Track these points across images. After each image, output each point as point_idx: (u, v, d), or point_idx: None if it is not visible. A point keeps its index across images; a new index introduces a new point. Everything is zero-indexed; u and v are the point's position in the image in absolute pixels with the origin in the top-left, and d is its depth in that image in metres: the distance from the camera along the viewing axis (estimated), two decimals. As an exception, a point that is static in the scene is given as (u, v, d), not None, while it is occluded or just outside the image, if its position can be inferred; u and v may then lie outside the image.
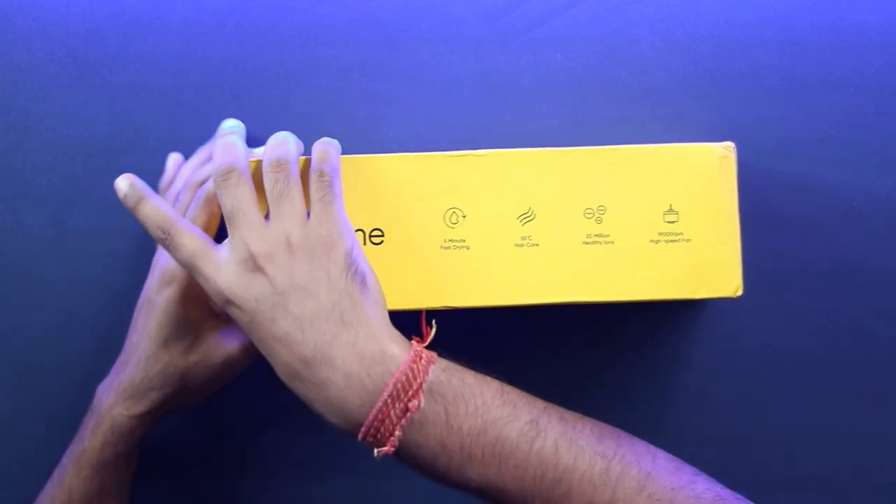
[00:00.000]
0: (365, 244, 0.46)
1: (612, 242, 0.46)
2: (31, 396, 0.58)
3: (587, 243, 0.46)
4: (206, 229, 0.49)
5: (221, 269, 0.43)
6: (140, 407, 0.49)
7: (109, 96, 0.57)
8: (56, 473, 0.51)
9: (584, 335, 0.57)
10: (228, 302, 0.42)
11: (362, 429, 0.42)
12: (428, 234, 0.46)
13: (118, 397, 0.49)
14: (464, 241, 0.46)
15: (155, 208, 0.45)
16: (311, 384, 0.42)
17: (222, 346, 0.50)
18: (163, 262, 0.50)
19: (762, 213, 0.55)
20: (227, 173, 0.44)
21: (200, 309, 0.50)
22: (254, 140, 0.54)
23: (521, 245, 0.46)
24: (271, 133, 0.53)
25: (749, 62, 0.55)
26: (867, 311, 0.56)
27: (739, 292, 0.46)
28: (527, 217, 0.46)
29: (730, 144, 0.46)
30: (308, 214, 0.43)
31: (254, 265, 0.42)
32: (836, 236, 0.55)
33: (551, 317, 0.57)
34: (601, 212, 0.46)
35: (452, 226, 0.46)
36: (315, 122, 0.57)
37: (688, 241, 0.46)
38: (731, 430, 0.57)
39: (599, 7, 0.56)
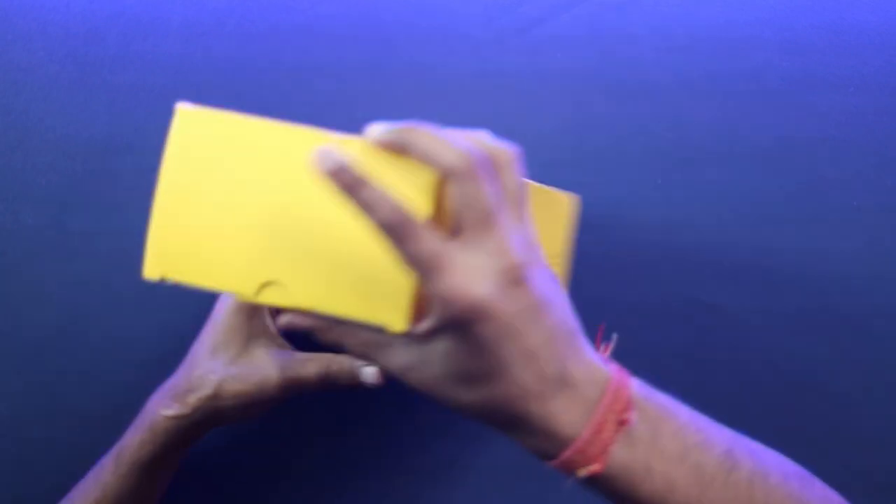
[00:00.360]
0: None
1: None
2: (32, 396, 0.58)
3: None
4: None
5: (470, 276, 0.36)
6: (177, 408, 0.49)
7: (109, 96, 0.57)
8: (95, 471, 0.51)
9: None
10: (474, 312, 0.35)
11: (573, 444, 0.37)
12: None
13: (161, 396, 0.50)
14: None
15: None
16: (535, 404, 0.37)
17: (262, 368, 0.48)
18: None
19: (762, 213, 0.55)
20: (500, 162, 0.37)
21: (254, 324, 0.49)
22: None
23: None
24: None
25: (749, 62, 0.55)
26: (867, 310, 0.56)
27: (404, 327, 0.37)
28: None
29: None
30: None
31: (515, 276, 0.36)
32: (836, 236, 0.55)
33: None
34: None
35: None
36: (315, 122, 0.56)
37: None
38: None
39: (599, 7, 0.56)
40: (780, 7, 0.55)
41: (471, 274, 0.35)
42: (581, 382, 0.38)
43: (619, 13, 0.56)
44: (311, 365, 0.49)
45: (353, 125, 0.56)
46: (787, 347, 0.56)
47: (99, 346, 0.57)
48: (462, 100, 0.56)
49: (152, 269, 0.41)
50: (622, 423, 0.37)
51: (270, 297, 0.39)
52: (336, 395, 0.59)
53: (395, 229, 0.35)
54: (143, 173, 0.57)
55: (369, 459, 0.59)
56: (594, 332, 0.42)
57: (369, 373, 0.48)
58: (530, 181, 0.45)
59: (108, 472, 0.50)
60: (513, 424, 0.38)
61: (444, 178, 0.36)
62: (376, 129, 0.37)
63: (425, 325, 0.37)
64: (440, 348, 0.37)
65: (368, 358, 0.40)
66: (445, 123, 0.56)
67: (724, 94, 0.55)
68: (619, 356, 0.42)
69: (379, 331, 0.38)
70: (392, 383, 0.59)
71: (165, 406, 0.49)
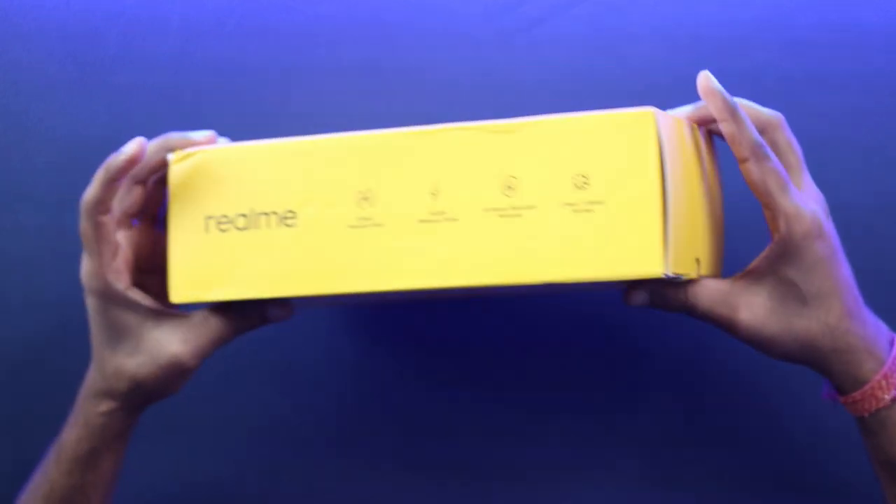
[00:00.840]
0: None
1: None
2: (31, 396, 0.58)
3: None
4: (92, 238, 0.47)
5: (807, 199, 0.44)
6: (106, 405, 0.49)
7: (109, 96, 0.57)
8: (42, 465, 0.51)
9: (583, 333, 0.57)
10: (817, 227, 0.43)
11: (884, 368, 0.43)
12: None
13: (86, 393, 0.50)
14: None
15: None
16: (856, 325, 0.44)
17: (165, 348, 0.48)
18: (82, 271, 0.49)
19: (761, 213, 0.55)
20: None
21: (132, 312, 0.48)
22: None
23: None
24: (271, 133, 0.53)
25: (749, 62, 0.55)
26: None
27: (661, 271, 0.41)
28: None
29: (648, 110, 0.43)
30: None
31: (827, 211, 0.45)
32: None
33: (549, 314, 0.57)
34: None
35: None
36: (315, 122, 0.56)
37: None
38: (731, 430, 0.57)
39: (599, 7, 0.56)
40: (780, 7, 0.55)
41: (807, 198, 0.44)
42: (875, 322, 0.45)
43: (619, 13, 0.56)
44: (211, 322, 0.48)
45: (353, 125, 0.56)
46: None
47: (99, 346, 0.57)
48: (462, 100, 0.56)
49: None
50: None
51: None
52: (335, 395, 0.59)
53: (760, 150, 0.42)
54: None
55: (369, 460, 0.59)
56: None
57: (275, 311, 0.48)
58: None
59: (52, 469, 0.50)
60: (836, 350, 0.44)
61: (771, 128, 0.45)
62: (713, 82, 0.44)
63: (773, 246, 0.43)
64: (782, 274, 0.43)
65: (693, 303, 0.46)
66: (445, 123, 0.56)
67: (724, 94, 0.55)
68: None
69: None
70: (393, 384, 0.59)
71: (94, 404, 0.49)
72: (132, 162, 0.47)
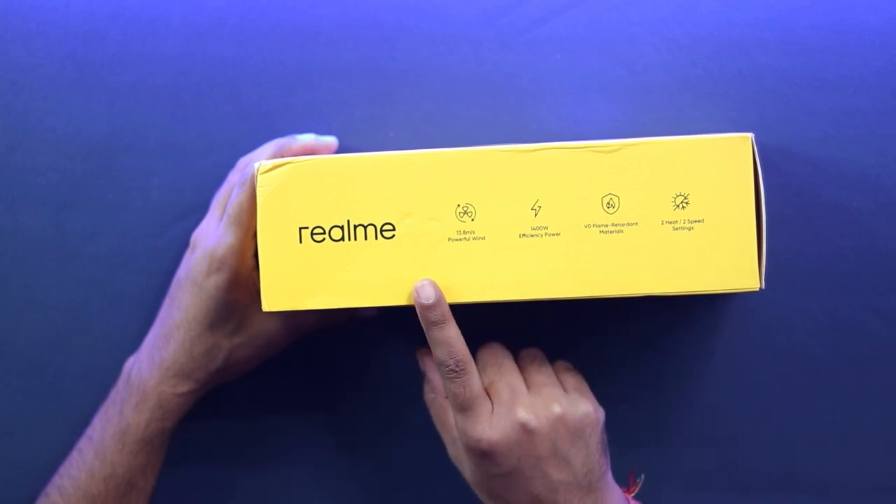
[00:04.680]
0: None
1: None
2: (32, 397, 0.58)
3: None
4: (248, 212, 0.49)
5: (493, 423, 0.46)
6: (186, 385, 0.50)
7: (109, 96, 0.57)
8: (87, 449, 0.52)
9: (585, 331, 0.57)
10: (485, 454, 0.45)
11: None
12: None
13: (163, 375, 0.50)
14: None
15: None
16: None
17: (265, 328, 0.51)
18: (210, 244, 0.49)
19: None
20: (462, 364, 0.46)
21: (247, 293, 0.50)
22: (257, 141, 0.54)
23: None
24: (271, 133, 0.53)
25: (749, 62, 0.55)
26: (867, 311, 0.56)
27: (757, 285, 0.45)
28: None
29: (747, 135, 0.46)
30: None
31: (524, 430, 0.45)
32: (836, 236, 0.55)
33: (555, 312, 0.57)
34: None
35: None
36: (315, 122, 0.57)
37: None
38: (731, 429, 0.57)
39: (599, 7, 0.56)
40: (780, 7, 0.55)
41: (491, 420, 0.46)
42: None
43: (619, 13, 0.56)
44: (307, 312, 0.50)
45: (353, 125, 0.57)
46: (787, 348, 0.56)
47: (99, 346, 0.57)
48: (462, 100, 0.56)
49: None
50: None
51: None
52: (335, 396, 0.59)
53: (453, 370, 0.45)
54: (143, 173, 0.57)
55: (370, 458, 0.59)
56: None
57: None
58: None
59: (113, 451, 0.51)
60: None
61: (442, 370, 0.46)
62: None
63: (455, 445, 0.48)
64: (468, 462, 0.47)
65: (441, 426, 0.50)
66: (445, 123, 0.56)
67: (724, 94, 0.55)
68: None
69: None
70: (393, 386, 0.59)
71: (173, 385, 0.50)
72: (304, 148, 0.51)
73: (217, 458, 0.59)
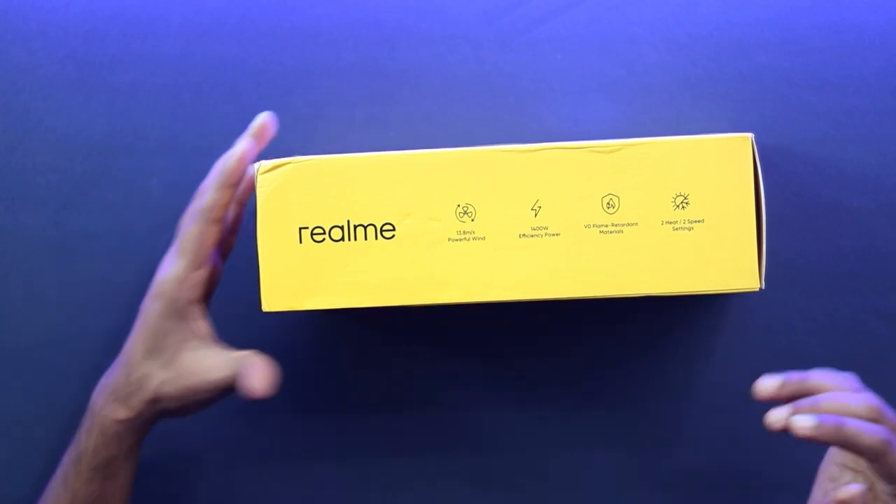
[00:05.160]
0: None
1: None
2: (31, 397, 0.58)
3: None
4: (195, 242, 0.48)
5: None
6: (123, 412, 0.49)
7: (109, 96, 0.57)
8: (60, 472, 0.51)
9: (585, 332, 0.57)
10: None
11: None
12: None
13: (106, 399, 0.49)
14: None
15: None
16: None
17: (194, 374, 0.48)
18: (160, 273, 0.49)
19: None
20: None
21: (184, 329, 0.48)
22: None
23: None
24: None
25: (749, 62, 0.55)
26: (867, 311, 0.56)
27: (757, 285, 0.45)
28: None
29: (747, 135, 0.46)
30: None
31: None
32: (836, 236, 0.55)
33: (553, 312, 0.57)
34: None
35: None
36: (315, 122, 0.57)
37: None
38: (731, 430, 0.57)
39: (599, 7, 0.56)
40: (780, 7, 0.55)
41: None
42: None
43: (619, 13, 0.56)
44: (223, 369, 0.47)
45: (352, 125, 0.57)
46: (787, 348, 0.56)
47: (99, 346, 0.57)
48: (462, 100, 0.56)
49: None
50: None
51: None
52: (335, 396, 0.59)
53: (884, 445, 0.43)
54: (143, 173, 0.57)
55: (369, 459, 0.59)
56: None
57: (253, 381, 0.47)
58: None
59: (71, 477, 0.50)
60: None
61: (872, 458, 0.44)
62: (803, 421, 0.44)
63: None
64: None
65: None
66: (445, 123, 0.56)
67: (724, 94, 0.55)
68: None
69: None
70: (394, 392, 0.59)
71: (112, 410, 0.49)
72: (243, 161, 0.48)
73: (217, 457, 0.59)
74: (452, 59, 0.56)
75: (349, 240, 0.46)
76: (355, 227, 0.46)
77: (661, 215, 0.45)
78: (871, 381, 0.57)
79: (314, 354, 0.58)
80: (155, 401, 0.49)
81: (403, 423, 0.58)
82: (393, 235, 0.46)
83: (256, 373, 0.47)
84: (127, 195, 0.57)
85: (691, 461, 0.58)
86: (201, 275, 0.48)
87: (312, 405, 0.59)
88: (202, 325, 0.49)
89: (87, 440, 0.50)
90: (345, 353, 0.58)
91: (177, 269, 0.48)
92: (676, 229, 0.45)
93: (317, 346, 0.58)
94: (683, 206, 0.45)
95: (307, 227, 0.47)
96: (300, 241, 0.47)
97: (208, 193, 0.48)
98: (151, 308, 0.48)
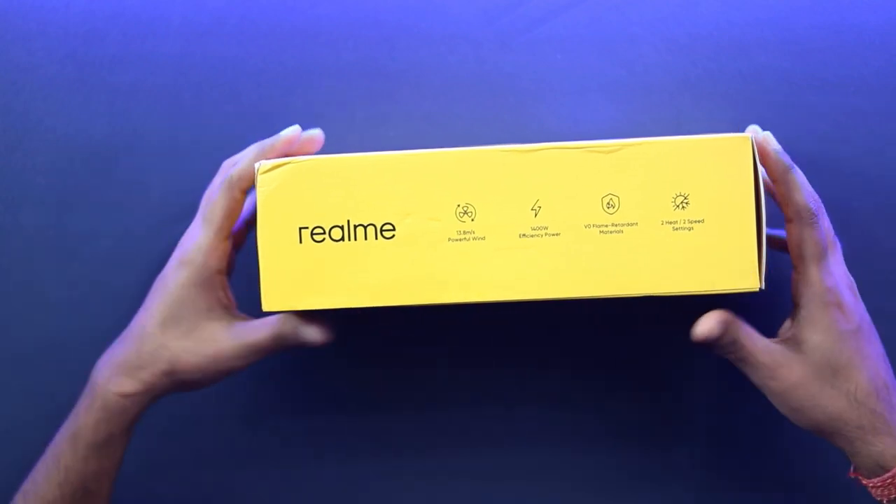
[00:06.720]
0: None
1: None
2: (31, 397, 0.58)
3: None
4: (221, 211, 0.48)
5: (838, 273, 0.47)
6: (130, 385, 0.48)
7: (109, 96, 0.57)
8: (51, 451, 0.50)
9: (585, 332, 0.57)
10: (840, 303, 0.46)
11: None
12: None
13: (112, 372, 0.49)
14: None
15: None
16: (883, 405, 0.45)
17: (217, 341, 0.48)
18: (186, 242, 0.49)
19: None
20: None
21: (209, 298, 0.48)
22: (257, 141, 0.54)
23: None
24: (271, 133, 0.53)
25: (749, 62, 0.55)
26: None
27: (757, 285, 0.45)
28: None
29: (746, 135, 0.46)
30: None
31: (855, 291, 0.48)
32: (836, 236, 0.55)
33: (553, 312, 0.57)
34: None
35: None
36: (315, 122, 0.57)
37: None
38: (731, 429, 0.57)
39: (599, 7, 0.56)
40: (780, 7, 0.55)
41: (833, 274, 0.46)
42: None
43: (619, 13, 0.56)
44: (263, 329, 0.48)
45: (352, 125, 0.57)
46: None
47: (99, 346, 0.57)
48: (462, 100, 0.56)
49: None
50: None
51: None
52: (335, 394, 0.59)
53: (813, 213, 0.45)
54: (143, 173, 0.57)
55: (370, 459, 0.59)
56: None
57: (310, 332, 0.48)
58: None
59: (66, 455, 0.49)
60: (860, 427, 0.45)
61: (806, 216, 0.46)
62: (772, 143, 0.46)
63: (795, 312, 0.47)
64: (812, 341, 0.46)
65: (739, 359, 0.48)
66: (445, 123, 0.56)
67: (724, 94, 0.55)
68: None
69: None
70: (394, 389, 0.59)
71: (118, 384, 0.48)
72: (289, 143, 0.49)
73: (217, 458, 0.59)
74: (452, 59, 0.56)
75: (349, 240, 0.46)
76: (355, 226, 0.46)
77: (661, 215, 0.45)
78: None
79: (314, 354, 0.58)
80: (170, 372, 0.48)
81: (403, 423, 0.58)
82: (393, 235, 0.46)
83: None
84: (127, 195, 0.57)
85: (691, 461, 0.58)
86: (228, 246, 0.49)
87: (312, 405, 0.59)
88: (228, 294, 0.50)
89: (85, 416, 0.49)
90: (345, 353, 0.58)
91: (205, 237, 0.48)
92: (676, 229, 0.45)
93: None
94: (683, 206, 0.45)
95: (307, 227, 0.47)
96: (300, 241, 0.47)
97: (240, 163, 0.48)
98: (174, 276, 0.48)
